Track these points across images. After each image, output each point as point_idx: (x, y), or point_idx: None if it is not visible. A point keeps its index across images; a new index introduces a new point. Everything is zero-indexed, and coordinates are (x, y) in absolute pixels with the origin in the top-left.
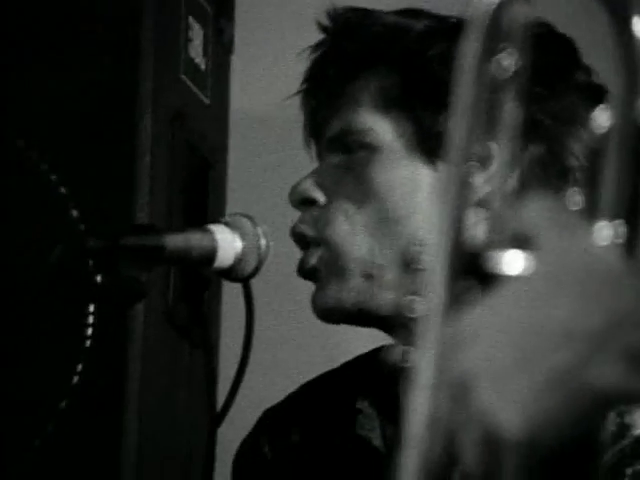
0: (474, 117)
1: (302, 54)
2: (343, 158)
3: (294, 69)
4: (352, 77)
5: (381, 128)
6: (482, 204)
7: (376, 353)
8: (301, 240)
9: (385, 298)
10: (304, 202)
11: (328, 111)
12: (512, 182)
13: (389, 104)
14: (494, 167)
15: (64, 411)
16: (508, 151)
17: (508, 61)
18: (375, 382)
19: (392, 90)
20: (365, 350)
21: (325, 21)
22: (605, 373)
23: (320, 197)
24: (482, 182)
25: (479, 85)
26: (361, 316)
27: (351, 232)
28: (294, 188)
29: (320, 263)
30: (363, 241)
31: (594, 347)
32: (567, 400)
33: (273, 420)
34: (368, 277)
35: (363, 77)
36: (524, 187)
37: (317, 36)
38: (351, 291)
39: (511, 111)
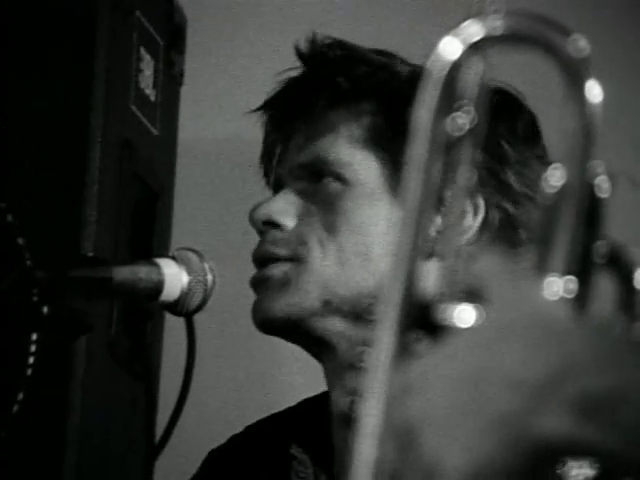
0: (428, 173)
1: (279, 76)
2: (310, 186)
3: (243, 102)
4: (334, 107)
5: (360, 164)
6: (435, 256)
7: (320, 398)
8: (266, 259)
9: (337, 327)
10: (268, 223)
11: (301, 137)
12: (466, 237)
13: (371, 142)
14: (467, 221)
15: (3, 440)
16: (459, 207)
17: (463, 119)
18: (310, 429)
19: (376, 129)
20: (302, 394)
21: (305, 48)
22: (550, 422)
23: (289, 222)
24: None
25: (433, 142)
26: (302, 334)
27: (323, 256)
28: (259, 208)
29: (281, 275)
30: (331, 268)
31: (540, 395)
32: (510, 447)
33: (217, 462)
34: (326, 303)
35: (345, 109)
36: (488, 245)
37: (268, 69)
38: (304, 310)
39: (464, 169)
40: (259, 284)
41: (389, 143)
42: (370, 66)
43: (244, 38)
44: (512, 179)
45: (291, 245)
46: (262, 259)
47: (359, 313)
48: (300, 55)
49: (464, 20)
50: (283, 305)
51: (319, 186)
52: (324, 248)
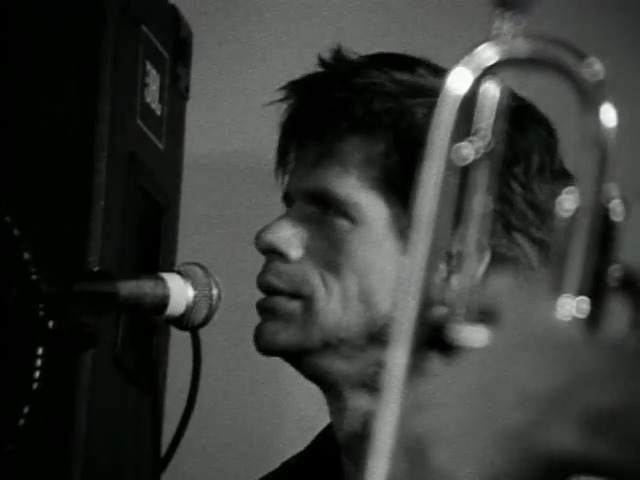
0: (442, 200)
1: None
2: (318, 212)
3: (248, 116)
4: (347, 136)
5: (368, 204)
6: (447, 280)
7: (324, 431)
8: (271, 291)
9: (333, 365)
10: (274, 252)
11: (310, 159)
12: (481, 268)
13: (382, 183)
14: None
15: (9, 453)
16: (475, 239)
17: (479, 143)
18: (317, 464)
19: (389, 170)
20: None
21: (329, 59)
22: (559, 436)
23: (293, 252)
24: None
25: (447, 168)
26: (299, 367)
27: (326, 298)
28: (264, 234)
29: (285, 312)
30: (334, 311)
31: (549, 409)
32: (520, 460)
33: None
34: (326, 345)
35: (358, 141)
36: (499, 267)
37: (274, 86)
38: (303, 347)
39: (480, 198)
40: (264, 312)
41: (401, 185)
42: (389, 98)
43: (250, 52)
44: (520, 225)
45: (294, 281)
46: (265, 290)
47: (356, 351)
48: (323, 65)
49: (480, 44)
50: (283, 340)
51: (326, 217)
52: (328, 289)
